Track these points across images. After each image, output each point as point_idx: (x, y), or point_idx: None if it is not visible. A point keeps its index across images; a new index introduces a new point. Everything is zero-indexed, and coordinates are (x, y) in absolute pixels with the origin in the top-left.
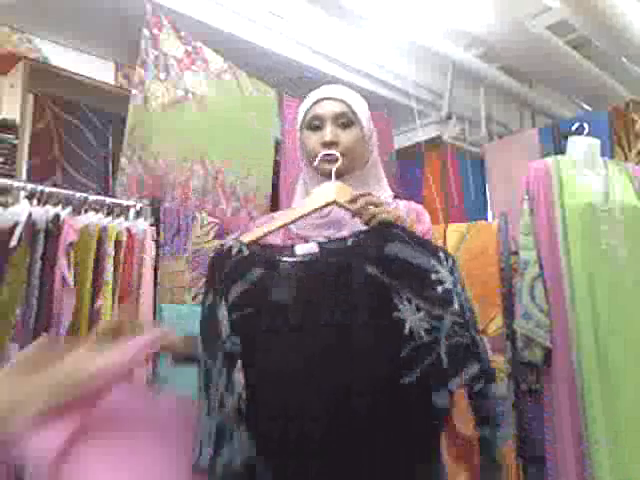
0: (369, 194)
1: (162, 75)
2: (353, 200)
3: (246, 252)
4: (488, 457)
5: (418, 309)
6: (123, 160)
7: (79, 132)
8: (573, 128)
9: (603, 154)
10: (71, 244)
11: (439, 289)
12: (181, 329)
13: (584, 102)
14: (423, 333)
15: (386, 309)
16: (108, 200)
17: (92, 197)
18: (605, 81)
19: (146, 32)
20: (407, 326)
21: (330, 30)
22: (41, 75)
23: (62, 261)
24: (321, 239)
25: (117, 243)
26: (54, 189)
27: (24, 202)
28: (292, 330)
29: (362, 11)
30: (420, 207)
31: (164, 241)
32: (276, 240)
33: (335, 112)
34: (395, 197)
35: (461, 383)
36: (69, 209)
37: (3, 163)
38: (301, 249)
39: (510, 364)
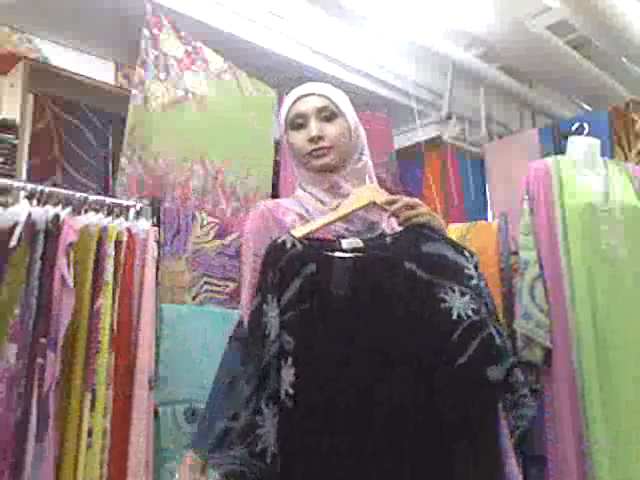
0: (403, 197)
1: (162, 75)
2: (391, 202)
3: (300, 246)
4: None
5: (462, 294)
6: (123, 160)
7: (79, 132)
8: (573, 128)
9: (603, 154)
10: (71, 244)
11: (472, 283)
12: (181, 329)
13: (584, 102)
14: (471, 313)
15: (433, 303)
16: (108, 200)
17: (92, 197)
18: (605, 81)
19: (146, 32)
20: (455, 312)
21: (330, 30)
22: (41, 75)
23: (62, 261)
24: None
25: (117, 243)
26: (54, 189)
27: (24, 202)
28: (351, 323)
29: (362, 11)
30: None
31: (164, 241)
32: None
33: (317, 106)
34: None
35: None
36: (69, 209)
37: (3, 163)
38: (348, 244)
39: None
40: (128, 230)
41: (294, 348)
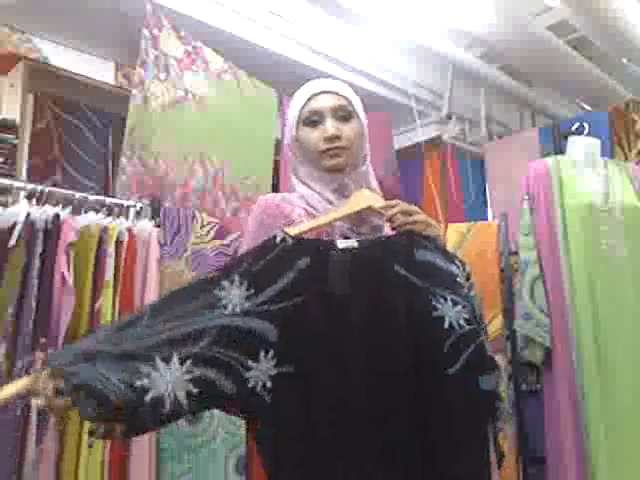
0: (400, 202)
1: (162, 75)
2: (388, 207)
3: (291, 241)
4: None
5: (455, 303)
6: (123, 160)
7: (79, 132)
8: (573, 128)
9: (603, 154)
10: (71, 244)
11: (464, 292)
12: None
13: (584, 102)
14: (463, 322)
15: (424, 310)
16: (108, 200)
17: (92, 197)
18: (605, 81)
19: (146, 32)
20: (447, 320)
21: (330, 30)
22: (41, 75)
23: (62, 261)
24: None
25: (118, 243)
26: (54, 189)
27: (23, 202)
28: (345, 321)
29: (362, 11)
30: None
31: (164, 241)
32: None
33: (334, 105)
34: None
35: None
36: (69, 209)
37: (3, 163)
38: (342, 244)
39: (510, 364)
40: (129, 230)
41: (280, 341)
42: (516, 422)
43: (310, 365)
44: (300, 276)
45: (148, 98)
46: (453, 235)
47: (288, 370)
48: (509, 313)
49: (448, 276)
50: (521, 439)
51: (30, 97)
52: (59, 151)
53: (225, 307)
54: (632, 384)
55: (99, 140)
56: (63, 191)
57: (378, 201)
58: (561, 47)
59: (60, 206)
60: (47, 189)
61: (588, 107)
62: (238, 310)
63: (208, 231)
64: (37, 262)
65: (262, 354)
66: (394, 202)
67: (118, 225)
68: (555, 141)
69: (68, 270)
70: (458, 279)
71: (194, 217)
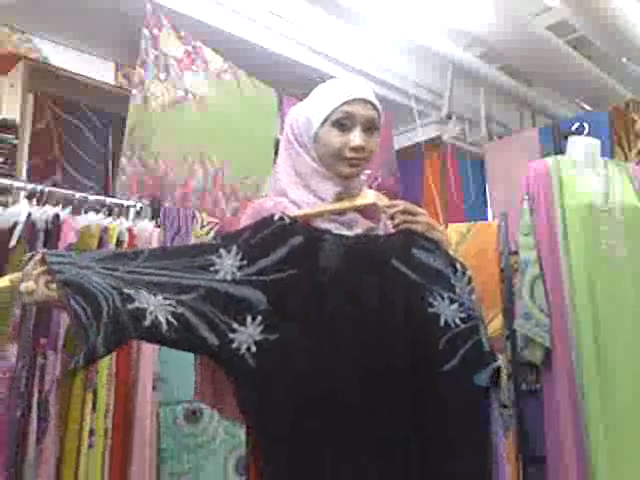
0: (405, 202)
1: (162, 75)
2: (391, 205)
3: (287, 220)
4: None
5: (452, 301)
6: (123, 160)
7: (79, 132)
8: (573, 128)
9: (603, 154)
10: (71, 244)
11: (461, 293)
12: None
13: (584, 102)
14: (459, 321)
15: (420, 306)
16: (108, 200)
17: (92, 197)
18: (605, 81)
19: (146, 32)
20: (442, 319)
21: (330, 30)
22: (41, 75)
23: None
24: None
25: (118, 244)
26: (54, 189)
27: (24, 202)
28: (335, 300)
29: (362, 11)
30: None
31: (164, 241)
32: None
33: (368, 116)
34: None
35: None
36: (69, 209)
37: (3, 163)
38: (338, 230)
39: (510, 364)
40: (129, 230)
41: (269, 309)
42: (516, 422)
43: (296, 335)
44: (293, 252)
45: (148, 98)
46: (453, 235)
47: (274, 337)
48: (509, 313)
49: (444, 277)
50: (521, 439)
51: (30, 97)
52: (59, 151)
53: (217, 272)
54: (632, 384)
55: (99, 140)
56: (63, 191)
57: (383, 201)
58: (561, 47)
59: (60, 206)
60: (47, 189)
61: (588, 107)
62: (229, 278)
63: (208, 231)
64: None
65: (249, 319)
66: (398, 202)
67: (118, 225)
68: (555, 141)
69: None
70: (455, 282)
71: (194, 217)
